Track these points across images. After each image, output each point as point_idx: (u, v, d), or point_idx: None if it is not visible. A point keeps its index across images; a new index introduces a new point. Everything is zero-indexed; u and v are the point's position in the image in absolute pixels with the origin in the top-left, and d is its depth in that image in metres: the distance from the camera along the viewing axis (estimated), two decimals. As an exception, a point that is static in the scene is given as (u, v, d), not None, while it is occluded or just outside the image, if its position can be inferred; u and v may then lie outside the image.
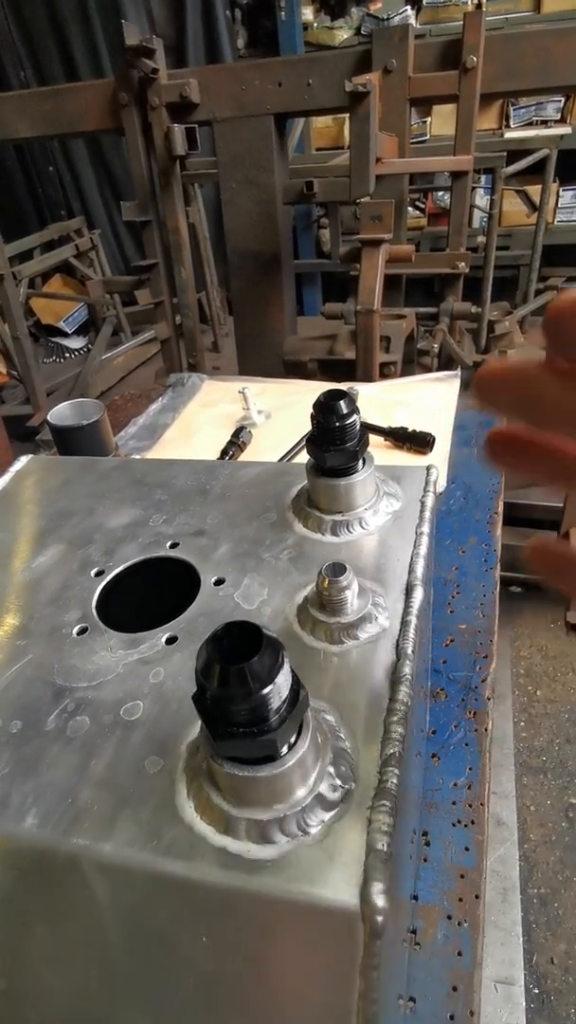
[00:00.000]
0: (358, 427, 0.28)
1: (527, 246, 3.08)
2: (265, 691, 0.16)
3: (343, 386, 0.98)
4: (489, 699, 0.56)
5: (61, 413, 0.64)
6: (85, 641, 0.26)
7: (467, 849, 0.46)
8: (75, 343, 3.78)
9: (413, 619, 0.25)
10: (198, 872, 0.18)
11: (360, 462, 0.29)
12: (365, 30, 2.92)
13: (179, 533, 0.31)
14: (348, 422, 0.28)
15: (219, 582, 0.28)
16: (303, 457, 0.68)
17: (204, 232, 3.17)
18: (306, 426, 0.76)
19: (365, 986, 0.17)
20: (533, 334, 2.81)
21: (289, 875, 0.18)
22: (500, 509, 0.77)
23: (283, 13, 2.79)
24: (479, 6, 2.85)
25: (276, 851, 0.18)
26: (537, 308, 3.04)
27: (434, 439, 0.83)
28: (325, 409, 0.28)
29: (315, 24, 2.96)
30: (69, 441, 0.62)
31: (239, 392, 0.97)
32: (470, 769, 0.50)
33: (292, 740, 0.18)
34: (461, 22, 2.58)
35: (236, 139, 1.57)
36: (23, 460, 0.39)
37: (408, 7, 2.88)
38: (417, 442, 0.83)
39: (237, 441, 0.89)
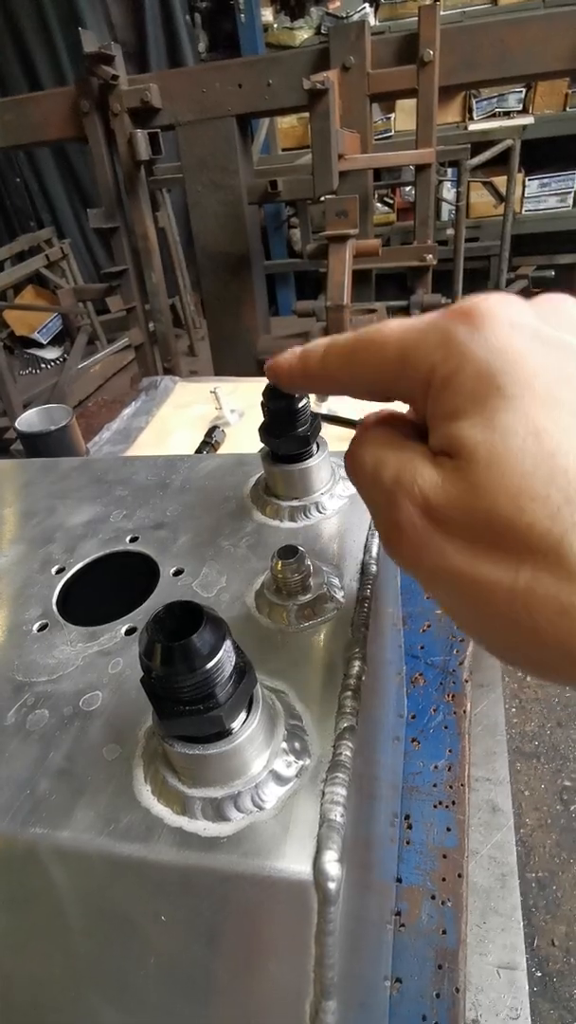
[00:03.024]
0: (308, 412, 0.29)
1: (496, 237, 3.12)
2: (208, 666, 0.17)
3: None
4: (467, 682, 0.57)
5: (29, 420, 0.64)
6: (45, 637, 0.26)
7: (448, 829, 0.47)
8: (50, 353, 3.75)
9: (368, 597, 0.25)
10: (155, 853, 0.18)
11: (314, 447, 0.29)
12: (325, 29, 2.93)
13: (138, 527, 0.31)
14: (298, 407, 0.28)
15: (178, 572, 0.28)
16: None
17: (174, 236, 3.17)
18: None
19: (320, 952, 0.17)
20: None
21: (245, 850, 0.18)
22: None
23: (242, 15, 2.80)
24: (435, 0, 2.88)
25: (232, 827, 0.18)
26: (509, 298, 3.07)
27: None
28: (274, 395, 0.28)
29: (275, 25, 2.97)
30: (39, 447, 0.62)
31: (211, 392, 0.97)
32: (450, 751, 0.51)
33: (242, 717, 0.18)
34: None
35: (199, 142, 1.57)
36: (-16, 465, 0.39)
37: (366, 5, 2.90)
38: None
39: (211, 441, 0.89)
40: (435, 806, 0.48)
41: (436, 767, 0.50)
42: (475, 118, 3.14)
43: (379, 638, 0.26)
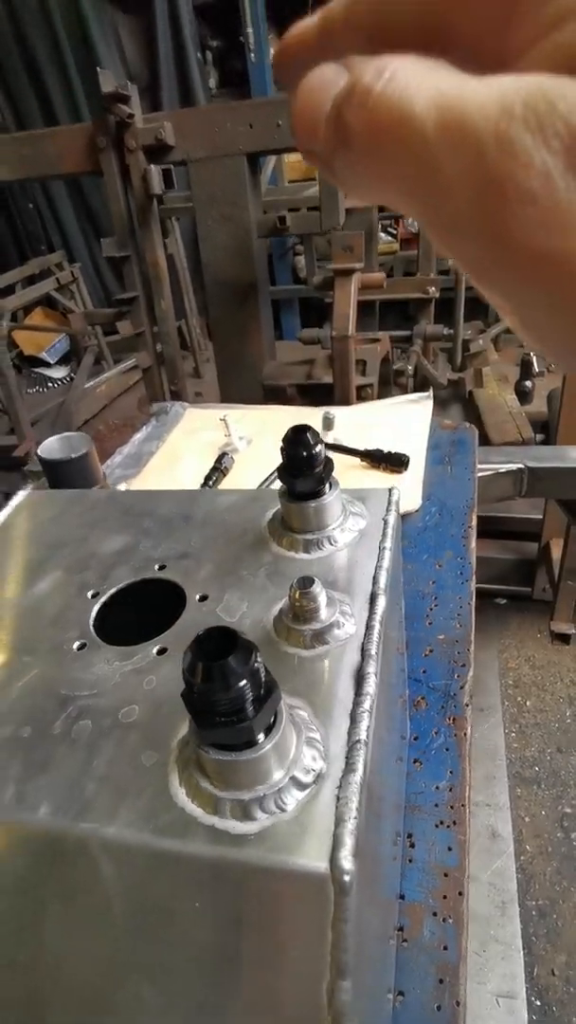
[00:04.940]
0: (323, 456, 0.32)
1: (498, 267, 3.18)
2: (241, 684, 0.19)
3: (321, 410, 1.02)
4: (468, 705, 0.59)
5: (50, 447, 0.67)
6: (84, 655, 0.29)
7: (450, 849, 0.49)
8: (57, 372, 3.81)
9: (376, 624, 0.28)
10: (190, 848, 0.21)
11: (327, 486, 0.32)
12: (332, 68, 3.04)
13: (166, 556, 0.34)
14: (314, 451, 0.31)
15: (203, 598, 0.31)
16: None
17: (182, 263, 3.25)
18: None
19: (336, 937, 0.19)
20: (507, 352, 2.90)
21: (269, 847, 0.20)
22: (474, 523, 0.80)
23: (252, 55, 2.91)
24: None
25: (257, 826, 0.21)
26: (509, 326, 3.13)
27: (408, 459, 0.87)
28: (293, 442, 0.31)
29: (284, 63, 3.08)
30: (59, 473, 0.65)
31: (220, 420, 1.00)
32: (451, 772, 0.53)
33: (268, 728, 0.21)
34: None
35: (211, 178, 1.63)
36: (19, 496, 0.42)
37: (372, 46, 3.01)
38: (392, 462, 0.86)
39: (220, 467, 0.93)
40: (436, 825, 0.50)
41: (438, 787, 0.52)
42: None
43: (385, 663, 0.29)
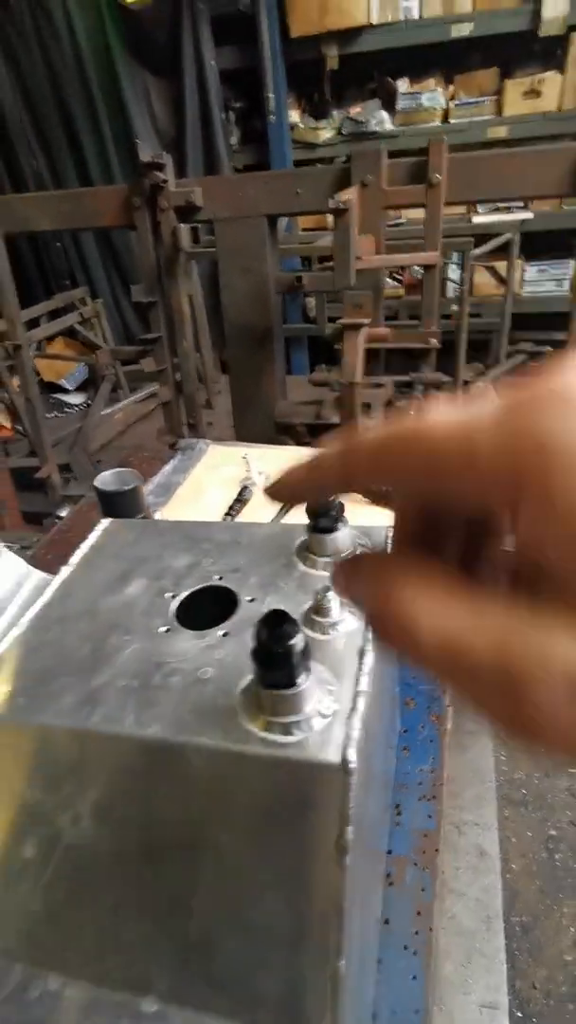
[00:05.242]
0: (337, 505, 0.45)
1: (497, 315, 3.37)
2: (290, 643, 0.32)
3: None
4: (449, 706, 0.71)
5: (105, 480, 0.80)
6: (169, 636, 0.41)
7: (429, 816, 0.60)
8: (75, 399, 3.97)
9: (374, 619, 0.40)
10: (251, 750, 0.33)
11: (339, 524, 0.45)
12: (345, 131, 3.27)
13: (222, 570, 0.47)
14: (333, 508, 0.44)
15: (251, 600, 0.44)
16: (294, 515, 0.84)
17: (199, 301, 3.44)
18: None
19: (343, 802, 0.31)
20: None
21: (301, 750, 0.33)
22: (460, 555, 0.93)
23: (272, 116, 3.14)
24: (446, 115, 3.23)
25: (294, 739, 0.33)
26: (508, 369, 3.31)
27: (405, 497, 1.00)
28: (318, 510, 0.45)
29: (301, 124, 3.32)
30: (112, 503, 0.78)
31: (242, 457, 1.14)
32: (433, 759, 0.65)
33: (304, 676, 0.33)
34: (430, 124, 2.92)
35: (233, 236, 1.80)
36: (104, 523, 0.55)
37: (384, 112, 3.25)
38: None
39: (241, 498, 1.06)
40: (419, 799, 0.61)
41: (422, 770, 0.64)
42: (479, 211, 3.44)
43: (380, 658, 0.41)
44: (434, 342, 1.83)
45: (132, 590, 0.46)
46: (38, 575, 0.62)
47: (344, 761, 0.32)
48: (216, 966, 0.32)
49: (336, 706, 0.35)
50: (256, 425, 2.00)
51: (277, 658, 0.32)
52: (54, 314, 3.47)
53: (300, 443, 1.87)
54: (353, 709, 0.35)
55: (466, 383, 2.79)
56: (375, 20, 3.02)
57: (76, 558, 0.51)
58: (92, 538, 0.53)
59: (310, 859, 0.33)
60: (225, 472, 1.18)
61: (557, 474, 0.14)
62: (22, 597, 0.59)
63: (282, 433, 1.94)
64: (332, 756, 0.32)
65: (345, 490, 0.21)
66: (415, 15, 3.04)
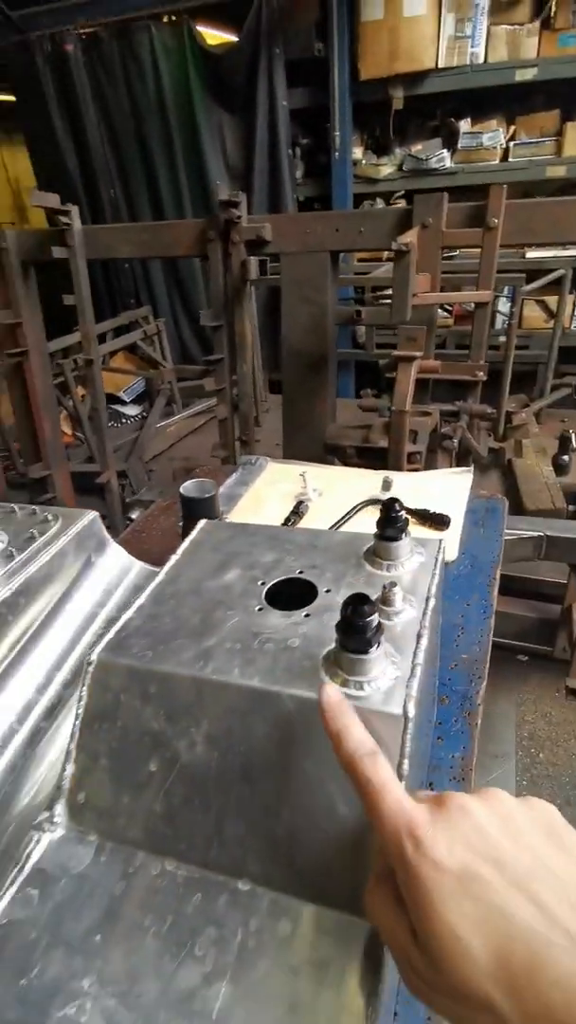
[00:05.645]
0: (403, 518, 0.55)
1: (545, 347, 3.43)
2: (367, 619, 0.42)
3: (382, 474, 1.26)
4: (479, 705, 0.79)
5: (188, 487, 0.92)
6: (262, 614, 0.52)
7: (459, 797, 0.69)
8: (131, 411, 4.17)
9: (429, 611, 0.50)
10: (333, 700, 0.43)
11: (403, 535, 0.55)
12: (406, 167, 3.41)
13: (303, 566, 0.57)
14: (396, 513, 0.55)
15: (328, 591, 0.54)
16: (350, 525, 0.95)
17: (254, 322, 3.61)
18: (349, 503, 1.05)
19: (402, 745, 0.41)
20: (548, 426, 3.11)
21: (372, 702, 0.43)
22: (497, 576, 1.02)
23: (336, 152, 3.31)
24: (506, 154, 3.35)
25: (367, 694, 0.43)
26: (552, 402, 3.36)
27: (450, 519, 1.09)
28: (387, 523, 0.55)
29: (363, 160, 3.48)
30: (194, 507, 0.90)
31: (300, 475, 1.25)
32: (463, 747, 0.74)
33: (376, 645, 0.44)
34: (489, 162, 3.05)
35: (298, 268, 1.94)
36: (202, 523, 0.66)
37: (444, 150, 3.38)
38: (436, 521, 1.09)
39: (298, 512, 1.17)
40: (451, 780, 0.70)
41: (453, 756, 0.72)
42: (532, 247, 3.52)
43: (432, 632, 0.51)
44: (481, 375, 1.92)
45: (230, 577, 0.57)
46: (140, 565, 0.74)
47: (404, 712, 0.42)
48: (298, 859, 0.42)
49: (398, 673, 0.45)
50: (306, 445, 2.11)
51: (358, 629, 0.43)
52: (118, 330, 3.69)
53: (347, 463, 1.97)
54: (411, 676, 0.45)
55: (509, 414, 2.85)
56: (442, 64, 3.16)
57: (181, 549, 0.62)
58: (193, 534, 0.64)
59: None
60: (283, 488, 1.29)
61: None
62: (129, 581, 0.71)
63: (330, 454, 2.05)
64: (395, 708, 0.42)
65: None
66: (480, 60, 3.17)
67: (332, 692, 0.39)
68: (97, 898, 0.44)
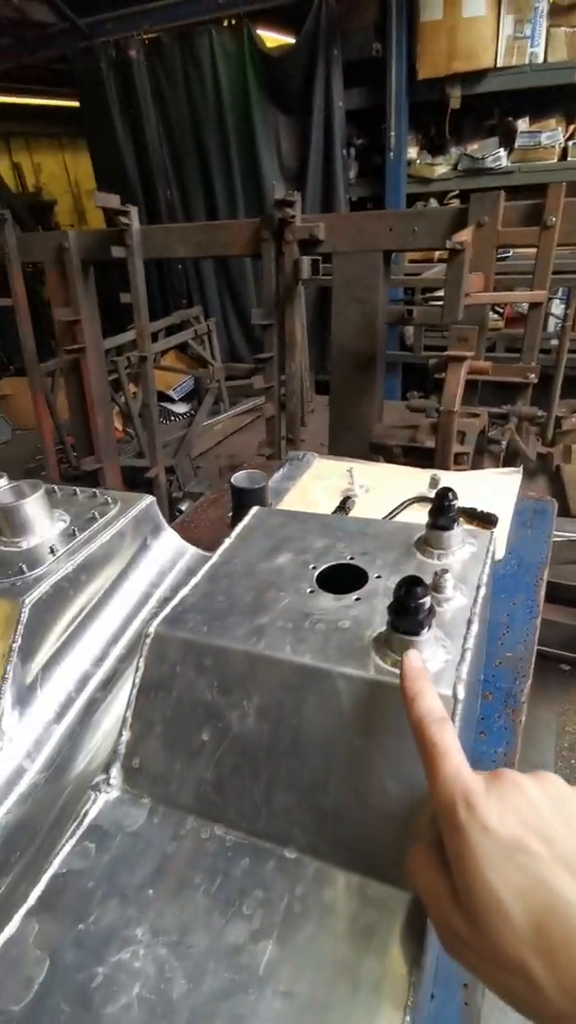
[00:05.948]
0: (456, 508, 0.56)
1: (598, 351, 3.33)
2: (420, 600, 0.43)
3: (428, 472, 1.25)
4: (524, 703, 0.79)
5: (239, 479, 0.94)
6: (314, 596, 0.54)
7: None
8: (180, 408, 4.25)
9: (479, 598, 0.51)
10: (380, 678, 0.44)
11: (455, 524, 0.56)
12: (461, 167, 3.38)
13: (354, 552, 0.58)
14: (449, 503, 0.55)
15: (378, 576, 0.55)
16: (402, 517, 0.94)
17: (303, 321, 3.64)
18: (395, 500, 1.05)
19: (453, 719, 0.42)
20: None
21: (421, 683, 0.44)
22: (545, 576, 1.00)
23: (391, 152, 3.30)
24: (564, 153, 3.27)
25: (415, 675, 0.44)
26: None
27: (497, 519, 1.09)
28: (440, 512, 0.56)
29: (417, 160, 3.46)
30: (244, 498, 0.92)
31: (347, 471, 1.26)
32: (507, 743, 0.73)
33: (427, 628, 0.45)
34: (546, 161, 2.99)
35: (350, 268, 1.95)
36: (254, 509, 0.68)
37: (501, 149, 3.33)
38: (484, 520, 1.08)
39: (344, 507, 1.18)
40: (492, 775, 0.70)
41: (496, 751, 0.72)
42: (590, 248, 3.43)
43: (481, 620, 0.51)
44: (532, 377, 1.89)
45: (281, 560, 0.59)
46: (193, 549, 0.77)
47: (455, 693, 0.43)
48: (343, 831, 0.44)
49: (448, 657, 0.46)
50: (352, 444, 2.12)
51: (410, 611, 0.44)
52: (169, 329, 3.77)
53: (393, 463, 1.97)
54: (461, 660, 0.46)
55: (558, 419, 2.79)
56: (500, 63, 3.12)
57: (234, 533, 0.64)
58: (245, 520, 0.66)
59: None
60: (330, 483, 1.30)
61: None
62: (183, 564, 0.74)
63: (376, 453, 2.05)
64: (445, 690, 0.43)
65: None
66: (540, 59, 3.11)
67: (415, 657, 0.41)
68: (150, 855, 0.46)
